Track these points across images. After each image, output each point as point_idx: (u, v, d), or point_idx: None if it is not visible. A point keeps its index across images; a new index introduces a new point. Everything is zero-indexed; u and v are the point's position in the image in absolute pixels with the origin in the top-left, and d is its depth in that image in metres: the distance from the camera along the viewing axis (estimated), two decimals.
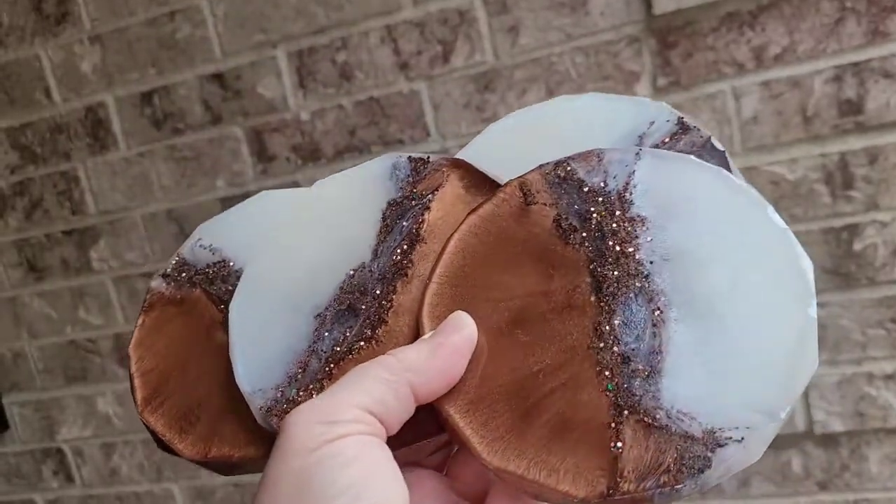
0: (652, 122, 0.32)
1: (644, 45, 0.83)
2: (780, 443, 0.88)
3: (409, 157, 0.33)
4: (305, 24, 0.93)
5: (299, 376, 0.29)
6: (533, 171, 0.30)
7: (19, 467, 1.23)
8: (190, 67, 0.99)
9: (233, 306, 0.31)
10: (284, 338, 0.30)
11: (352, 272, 0.31)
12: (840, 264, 0.82)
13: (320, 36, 0.93)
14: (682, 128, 0.32)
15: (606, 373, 0.26)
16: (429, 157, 0.32)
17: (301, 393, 0.29)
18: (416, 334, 0.28)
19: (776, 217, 0.28)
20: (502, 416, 0.26)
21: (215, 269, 0.34)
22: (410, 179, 0.33)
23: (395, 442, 0.26)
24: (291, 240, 0.32)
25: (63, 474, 1.20)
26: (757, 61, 0.81)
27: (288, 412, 0.28)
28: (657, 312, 0.27)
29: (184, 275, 0.34)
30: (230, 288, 0.33)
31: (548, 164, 0.30)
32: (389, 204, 0.32)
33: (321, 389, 0.28)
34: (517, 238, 0.29)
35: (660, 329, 0.27)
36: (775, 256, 0.27)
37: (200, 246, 0.35)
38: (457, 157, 0.33)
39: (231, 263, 0.34)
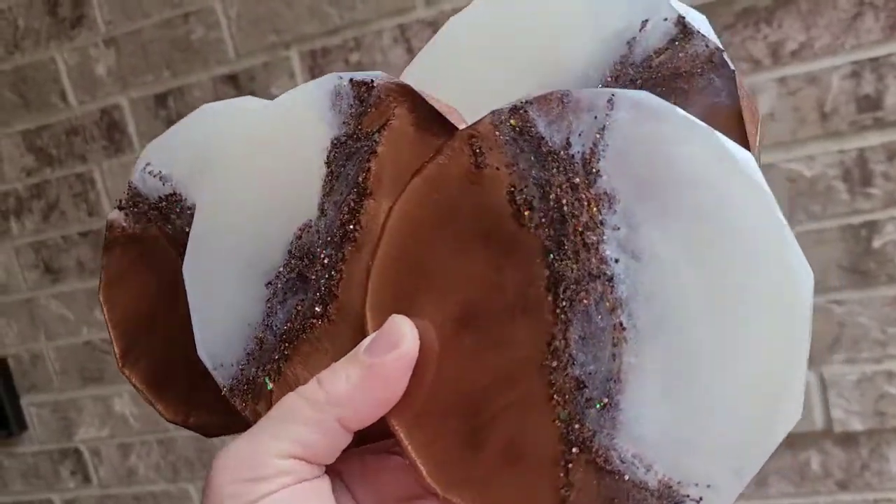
0: (646, 21, 0.26)
1: None
2: (799, 442, 0.87)
3: (352, 79, 0.27)
4: (319, 24, 0.93)
5: (256, 353, 0.27)
6: (485, 118, 0.24)
7: (37, 467, 1.23)
8: (204, 69, 0.99)
9: (185, 269, 0.28)
10: (239, 307, 0.28)
11: (298, 232, 0.27)
12: (859, 262, 0.82)
13: (333, 36, 0.93)
14: (684, 31, 0.25)
15: (558, 398, 0.23)
16: (373, 81, 0.27)
17: (260, 372, 0.27)
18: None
19: (777, 213, 0.21)
20: (450, 435, 0.24)
21: (168, 203, 0.31)
22: (354, 111, 0.27)
23: (356, 444, 0.25)
24: (234, 186, 0.28)
25: (80, 474, 1.21)
26: (773, 58, 0.80)
27: (250, 394, 0.27)
28: (618, 329, 0.22)
29: (139, 207, 0.32)
30: (186, 229, 0.30)
31: (501, 110, 0.23)
32: (333, 144, 0.27)
33: (278, 373, 0.27)
34: (465, 210, 0.24)
35: (620, 350, 0.22)
36: (769, 270, 0.21)
37: (150, 173, 0.32)
38: (403, 80, 0.27)
39: (183, 197, 0.31)
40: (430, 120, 0.26)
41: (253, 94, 0.98)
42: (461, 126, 0.25)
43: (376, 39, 0.92)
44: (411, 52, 0.91)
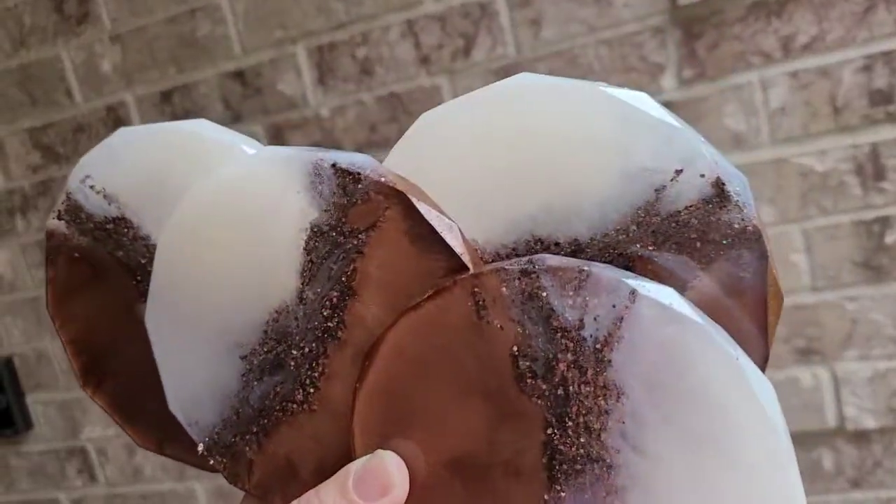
0: (680, 171, 0.23)
1: (668, 37, 0.82)
2: (811, 440, 0.86)
3: (335, 165, 0.25)
4: (325, 19, 0.93)
5: (234, 421, 0.27)
6: (491, 269, 0.22)
7: (44, 466, 1.23)
8: (210, 65, 0.99)
9: (148, 318, 0.27)
10: (211, 373, 0.27)
11: (275, 315, 0.26)
12: (871, 258, 0.81)
13: (340, 31, 0.93)
14: (720, 196, 0.23)
15: None
16: (360, 174, 0.25)
17: (238, 440, 0.27)
18: (349, 405, 0.25)
19: (788, 452, 0.20)
20: None
21: (117, 229, 0.29)
22: (336, 200, 0.25)
23: None
24: (202, 244, 0.26)
25: (87, 473, 1.21)
26: (785, 51, 0.79)
27: (227, 457, 0.27)
28: None
29: (82, 222, 0.30)
30: (140, 259, 0.29)
31: (511, 269, 0.22)
32: (314, 230, 0.25)
33: (259, 445, 0.26)
34: (465, 360, 0.23)
35: None
36: None
37: (91, 188, 0.29)
38: (395, 179, 0.25)
39: (135, 225, 0.29)
40: (425, 234, 0.24)
41: (259, 91, 0.97)
42: (459, 249, 0.24)
43: (383, 34, 0.91)
44: (419, 48, 0.90)
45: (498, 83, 0.25)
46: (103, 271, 0.30)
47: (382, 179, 0.24)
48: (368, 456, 0.24)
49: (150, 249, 0.29)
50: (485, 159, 0.25)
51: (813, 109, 0.79)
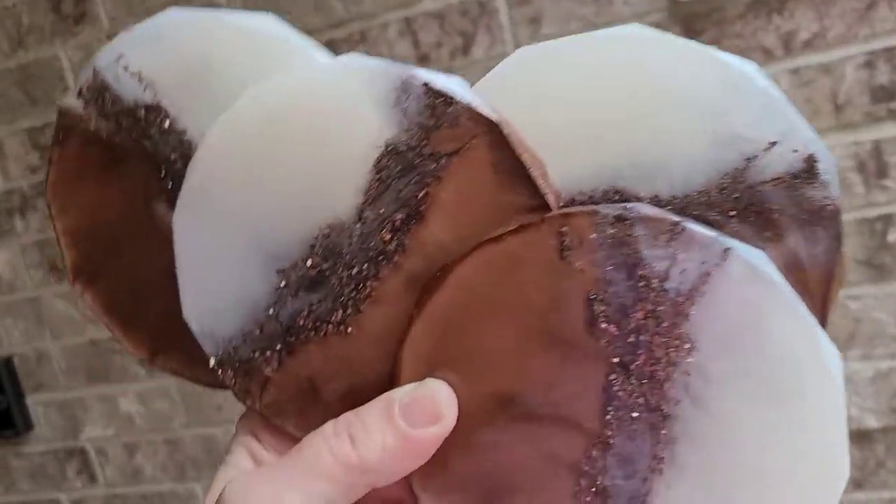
0: (774, 144, 0.23)
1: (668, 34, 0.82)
2: None
3: (427, 85, 0.23)
4: (324, 17, 0.92)
5: (255, 335, 0.25)
6: (584, 210, 0.22)
7: (44, 467, 1.23)
8: None
9: (177, 218, 0.25)
10: (238, 283, 0.25)
11: (327, 230, 0.24)
12: (874, 256, 0.80)
13: (339, 29, 0.92)
14: (809, 173, 0.23)
15: (581, 501, 0.22)
16: (453, 97, 0.23)
17: (257, 356, 0.25)
18: (390, 331, 0.24)
19: (843, 423, 0.21)
20: None
21: (148, 117, 0.27)
22: (421, 121, 0.23)
23: None
24: (252, 146, 0.25)
25: (87, 474, 1.21)
26: (786, 48, 0.78)
27: (240, 372, 0.26)
28: (658, 460, 0.22)
29: (106, 104, 0.27)
30: (170, 153, 0.27)
31: (605, 213, 0.22)
32: (388, 149, 0.24)
33: (280, 362, 0.25)
34: (535, 300, 0.22)
35: (653, 477, 0.22)
36: (825, 470, 0.21)
37: (125, 68, 0.27)
38: (488, 109, 0.23)
39: (171, 115, 0.27)
40: (512, 168, 0.23)
41: None
42: (545, 188, 0.23)
43: (382, 32, 0.91)
44: (417, 46, 0.90)
45: (608, 30, 0.24)
46: (120, 160, 0.27)
47: (475, 106, 0.23)
48: (417, 384, 0.23)
49: (183, 144, 0.27)
50: (579, 102, 0.24)
51: (814, 107, 0.79)
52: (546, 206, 0.23)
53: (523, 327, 0.22)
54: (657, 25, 0.81)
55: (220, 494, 0.23)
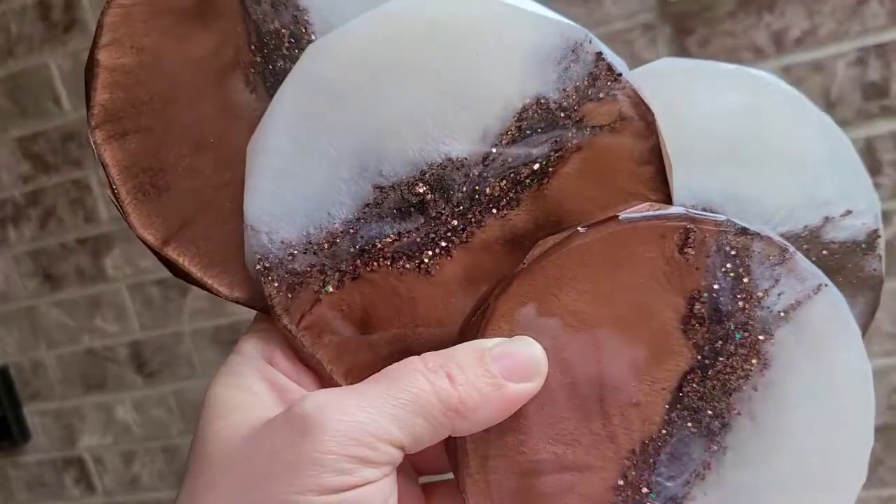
0: (849, 213, 0.26)
1: (659, 33, 0.81)
2: None
3: (599, 54, 0.23)
4: None
5: (321, 249, 0.23)
6: (711, 220, 0.23)
7: (42, 476, 1.23)
8: None
9: (278, 99, 0.23)
10: (322, 186, 0.23)
11: (447, 161, 0.23)
12: None
13: None
14: (870, 245, 0.26)
15: (623, 492, 0.23)
16: (620, 74, 0.23)
17: (313, 271, 0.23)
18: (472, 282, 0.24)
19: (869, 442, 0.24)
20: (508, 484, 0.23)
21: None
22: (580, 86, 0.23)
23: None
24: (388, 51, 0.23)
25: (85, 483, 1.20)
26: (777, 46, 0.78)
27: (288, 284, 0.24)
28: (705, 467, 0.23)
29: None
30: (280, 26, 0.24)
31: (734, 223, 0.23)
32: (539, 102, 0.23)
33: (340, 283, 0.23)
34: (643, 289, 0.23)
35: (694, 482, 0.23)
36: (850, 479, 0.24)
37: None
38: (647, 98, 0.23)
39: None
40: (652, 160, 0.23)
41: None
42: (672, 188, 0.24)
43: None
44: None
45: (744, 69, 0.26)
46: (209, 12, 0.24)
47: (637, 90, 0.23)
48: (510, 339, 0.23)
49: (298, 22, 0.24)
50: (700, 127, 0.26)
51: None
52: (668, 204, 0.24)
53: (622, 310, 0.23)
54: (647, 25, 0.81)
55: (298, 407, 0.21)
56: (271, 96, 0.24)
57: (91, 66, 0.24)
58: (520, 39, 0.23)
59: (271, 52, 0.25)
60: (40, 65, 1.05)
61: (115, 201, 0.24)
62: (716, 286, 0.23)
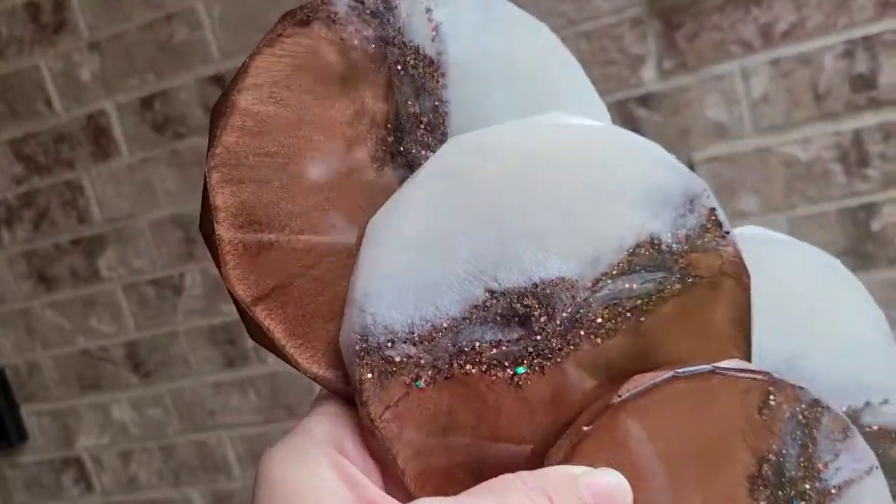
0: (885, 401, 0.28)
1: (648, 28, 0.81)
2: None
3: (713, 210, 0.24)
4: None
5: (421, 342, 0.23)
6: (791, 385, 0.24)
7: (40, 477, 1.23)
8: (189, 70, 0.98)
9: (413, 186, 0.23)
10: (439, 278, 0.23)
11: (558, 280, 0.24)
12: (858, 245, 0.80)
13: None
14: None
15: None
16: (728, 234, 0.24)
17: (409, 363, 0.23)
18: (546, 413, 0.24)
19: None
20: None
21: (423, 63, 0.25)
22: (691, 235, 0.24)
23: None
24: (530, 167, 0.24)
25: (83, 483, 1.21)
26: (765, 39, 0.78)
27: (381, 371, 0.23)
28: None
29: (384, 25, 0.25)
30: (421, 111, 0.25)
31: (807, 393, 0.24)
32: (652, 240, 0.24)
33: (430, 382, 0.23)
34: (713, 441, 0.24)
35: None
36: None
37: (425, 6, 0.25)
38: (742, 253, 0.25)
39: (444, 76, 0.25)
40: (741, 321, 0.25)
41: None
42: (754, 350, 0.25)
43: None
44: None
45: (814, 249, 0.28)
46: (354, 81, 0.24)
47: (741, 251, 0.24)
48: (599, 469, 0.23)
49: (438, 112, 0.25)
50: (776, 293, 0.27)
51: (795, 97, 0.79)
52: (748, 360, 0.25)
53: (700, 457, 0.24)
54: (636, 19, 0.81)
55: None
56: (397, 176, 0.24)
57: (224, 104, 0.23)
58: (648, 178, 0.24)
59: (405, 134, 0.25)
60: (31, 66, 1.05)
61: (214, 246, 0.23)
62: (784, 451, 0.24)
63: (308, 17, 0.24)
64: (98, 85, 1.03)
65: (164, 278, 1.06)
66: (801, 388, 0.24)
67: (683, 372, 0.23)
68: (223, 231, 0.23)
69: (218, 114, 0.24)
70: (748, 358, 0.25)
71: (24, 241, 1.12)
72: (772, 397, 0.24)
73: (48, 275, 1.12)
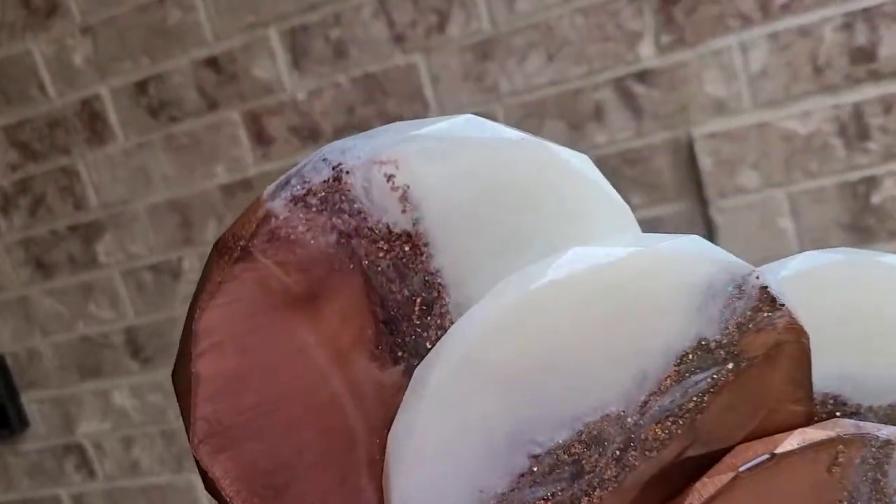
0: None
1: (645, 2, 0.80)
2: None
3: (764, 289, 0.22)
4: (296, 1, 0.91)
5: None
6: (859, 437, 0.23)
7: (42, 464, 1.23)
8: (183, 53, 0.97)
9: (423, 382, 0.21)
10: (475, 463, 0.22)
11: (602, 420, 0.22)
12: (858, 219, 0.80)
13: (312, 13, 0.91)
14: None
15: None
16: (781, 304, 0.22)
17: None
18: None
19: None
20: None
21: (393, 247, 0.21)
22: (741, 321, 0.22)
23: None
24: (555, 319, 0.21)
25: (85, 469, 1.21)
26: (763, 12, 0.78)
27: None
28: None
29: (336, 213, 0.21)
30: (411, 294, 0.22)
31: (876, 437, 0.24)
32: (699, 343, 0.22)
33: None
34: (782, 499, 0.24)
35: None
36: None
37: (389, 178, 0.21)
38: (802, 319, 0.23)
39: (425, 252, 0.22)
40: (803, 382, 0.23)
41: (234, 77, 0.96)
42: (816, 406, 0.25)
43: (356, 14, 0.90)
44: (392, 26, 0.89)
45: (880, 255, 0.26)
46: (323, 296, 0.21)
47: (794, 314, 0.22)
48: None
49: (430, 286, 0.22)
50: (831, 320, 0.26)
51: (794, 71, 0.78)
52: (811, 420, 0.24)
53: None
54: None
55: None
56: (403, 369, 0.22)
57: (185, 378, 0.21)
58: (688, 282, 0.22)
59: (399, 324, 0.22)
60: (23, 52, 1.04)
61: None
62: (855, 493, 0.24)
63: (243, 247, 0.21)
64: (92, 69, 1.02)
65: (162, 263, 1.06)
66: (870, 434, 0.23)
67: (745, 469, 0.22)
68: (234, 496, 0.21)
69: (182, 389, 0.21)
70: (810, 402, 0.24)
71: (20, 228, 1.12)
72: (841, 455, 0.23)
73: (46, 261, 1.12)
